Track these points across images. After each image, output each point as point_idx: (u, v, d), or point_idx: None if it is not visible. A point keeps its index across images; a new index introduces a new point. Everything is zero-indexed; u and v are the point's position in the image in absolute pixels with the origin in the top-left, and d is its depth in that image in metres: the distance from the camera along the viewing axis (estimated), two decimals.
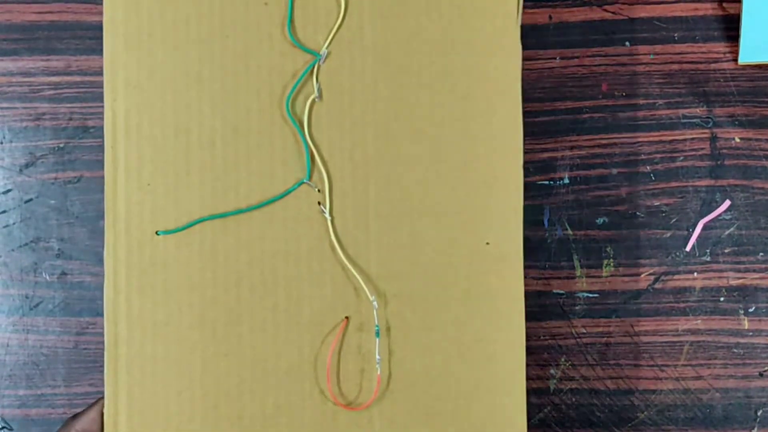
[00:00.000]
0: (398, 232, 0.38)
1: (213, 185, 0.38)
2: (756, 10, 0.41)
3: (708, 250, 0.42)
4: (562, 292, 0.42)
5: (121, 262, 0.37)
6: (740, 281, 0.41)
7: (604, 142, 0.42)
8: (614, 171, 0.42)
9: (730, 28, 0.42)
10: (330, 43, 0.38)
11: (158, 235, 0.38)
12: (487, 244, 0.38)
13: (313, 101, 0.38)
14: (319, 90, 0.38)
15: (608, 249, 0.42)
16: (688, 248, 0.41)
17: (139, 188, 0.38)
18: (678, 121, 0.42)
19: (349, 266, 0.38)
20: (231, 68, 0.38)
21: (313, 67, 0.38)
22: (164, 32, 0.38)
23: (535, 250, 0.43)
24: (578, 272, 0.42)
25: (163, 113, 0.38)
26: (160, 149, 0.38)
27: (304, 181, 0.38)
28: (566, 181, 0.42)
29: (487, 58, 0.38)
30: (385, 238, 0.38)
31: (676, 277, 0.42)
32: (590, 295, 0.42)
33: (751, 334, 0.41)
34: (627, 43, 0.42)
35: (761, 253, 0.41)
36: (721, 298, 0.42)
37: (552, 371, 0.42)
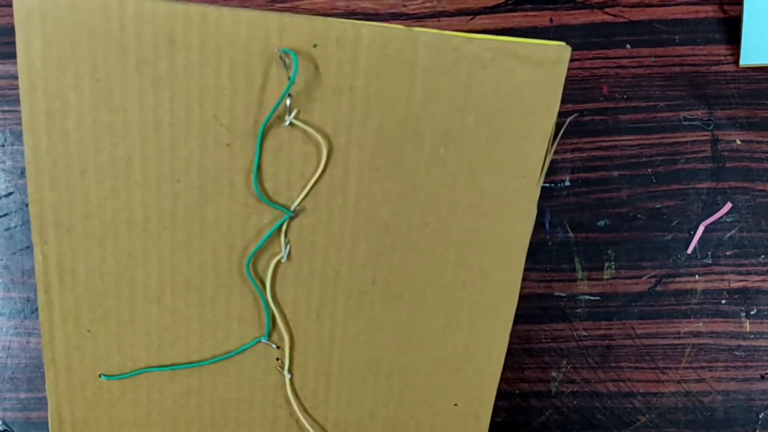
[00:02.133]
0: (361, 390, 0.36)
1: (160, 336, 0.35)
2: (757, 12, 0.40)
3: (709, 253, 0.41)
4: (563, 294, 0.42)
5: (64, 397, 0.35)
6: (742, 284, 0.41)
7: (605, 144, 0.42)
8: (615, 173, 0.42)
9: (731, 30, 0.41)
10: (305, 197, 0.32)
11: (101, 378, 0.35)
12: (455, 405, 0.36)
13: (279, 261, 0.33)
14: (288, 250, 0.33)
15: (609, 251, 0.41)
16: (689, 251, 0.41)
17: (78, 334, 0.34)
18: (679, 124, 0.41)
19: (304, 421, 0.36)
20: (182, 219, 0.32)
21: (282, 225, 0.32)
22: (100, 172, 0.31)
23: (536, 253, 0.42)
24: (579, 275, 0.42)
25: (102, 261, 0.33)
26: (100, 298, 0.34)
27: (262, 339, 0.35)
28: (567, 183, 0.42)
29: (494, 224, 0.33)
30: (346, 395, 0.36)
31: (677, 279, 0.41)
32: (591, 298, 0.42)
33: (752, 336, 0.41)
34: (628, 46, 0.42)
35: (762, 256, 0.41)
36: (723, 301, 0.41)
37: (553, 374, 0.41)
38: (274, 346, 0.36)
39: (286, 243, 0.34)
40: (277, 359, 0.36)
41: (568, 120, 0.32)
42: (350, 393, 0.37)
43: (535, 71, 0.32)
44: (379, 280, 0.35)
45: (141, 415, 0.37)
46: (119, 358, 0.36)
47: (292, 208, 0.33)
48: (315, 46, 0.30)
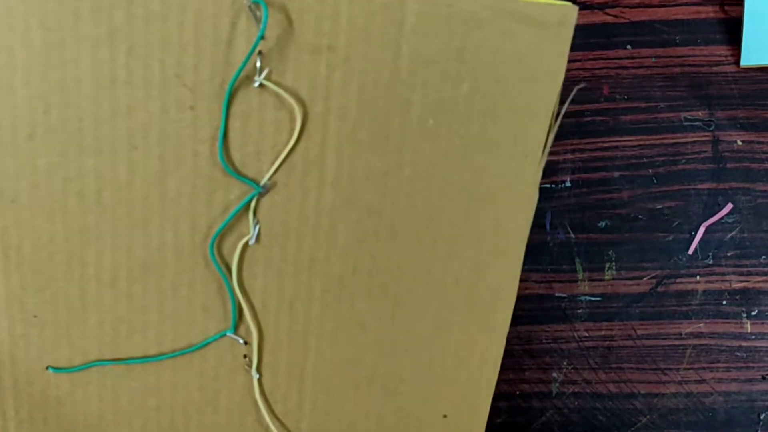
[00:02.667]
0: (339, 397, 0.32)
1: (114, 326, 0.31)
2: (758, 13, 0.40)
3: (710, 254, 0.41)
4: (564, 295, 0.41)
5: (8, 391, 0.32)
6: (743, 284, 0.41)
7: (605, 145, 0.41)
8: (616, 174, 0.41)
9: (731, 31, 0.41)
10: (276, 170, 0.28)
11: (49, 371, 0.31)
12: (445, 417, 0.32)
13: (247, 244, 0.29)
14: (257, 231, 0.29)
15: (610, 252, 0.41)
16: (690, 251, 0.41)
17: (24, 320, 0.31)
18: (680, 124, 0.41)
19: (273, 428, 0.32)
20: (140, 191, 0.28)
21: (251, 202, 0.29)
22: (49, 135, 0.28)
23: (536, 254, 0.41)
24: (580, 275, 0.41)
25: (50, 237, 0.29)
26: (48, 280, 0.30)
27: (227, 333, 0.31)
28: (568, 184, 0.42)
29: (490, 209, 0.29)
30: (322, 401, 0.32)
31: (678, 280, 0.41)
32: (592, 299, 0.41)
33: (753, 337, 0.40)
34: (628, 47, 0.42)
35: (764, 256, 0.41)
36: (724, 302, 0.41)
37: (554, 375, 0.41)
38: (241, 341, 0.32)
39: (255, 223, 0.30)
40: (245, 356, 0.32)
41: (576, 89, 0.29)
42: (327, 399, 0.33)
43: (538, 34, 0.28)
44: (361, 270, 0.31)
45: (92, 414, 0.33)
46: (68, 350, 0.32)
47: (262, 182, 0.29)
48: None
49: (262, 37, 0.27)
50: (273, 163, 0.29)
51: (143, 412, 0.33)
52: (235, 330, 0.32)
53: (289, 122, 0.29)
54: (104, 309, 0.31)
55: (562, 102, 0.29)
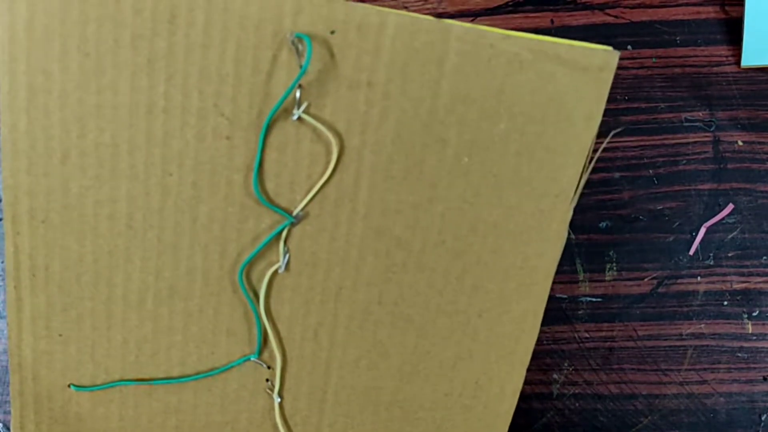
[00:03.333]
0: (358, 421, 0.32)
1: (139, 346, 0.31)
2: (759, 13, 0.39)
3: (711, 254, 0.40)
4: (564, 296, 0.41)
5: (29, 406, 0.31)
6: (744, 285, 0.40)
7: (606, 145, 0.40)
8: (617, 175, 0.41)
9: (732, 31, 0.41)
10: (309, 201, 0.28)
11: (71, 388, 0.32)
12: None
13: (276, 272, 0.30)
14: (287, 260, 0.29)
15: (611, 253, 0.41)
16: (691, 252, 0.40)
17: (48, 337, 0.31)
18: (680, 125, 0.40)
19: None
20: (172, 217, 0.29)
21: (282, 232, 0.29)
22: (82, 158, 0.28)
23: None
24: (581, 276, 0.41)
25: (79, 258, 0.29)
26: (75, 299, 0.30)
27: (251, 358, 0.31)
28: None
29: (519, 247, 0.30)
30: (341, 425, 0.32)
31: (679, 281, 0.40)
32: (593, 300, 0.41)
33: (755, 338, 0.40)
34: (629, 47, 0.41)
35: (765, 257, 0.40)
36: (725, 302, 0.40)
37: (555, 376, 0.41)
38: (264, 366, 0.32)
39: (285, 252, 0.30)
40: (267, 380, 0.32)
41: (612, 133, 0.28)
42: (345, 423, 0.33)
43: (578, 77, 0.28)
44: (386, 300, 0.31)
45: (112, 429, 0.33)
46: (92, 368, 0.32)
47: (295, 213, 0.29)
48: (333, 32, 0.27)
49: (304, 72, 0.27)
50: (306, 194, 0.29)
51: (163, 430, 0.33)
52: (260, 355, 0.32)
53: (324, 155, 0.29)
54: (129, 329, 0.31)
55: (596, 146, 0.29)
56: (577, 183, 0.29)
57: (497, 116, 0.28)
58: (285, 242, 0.30)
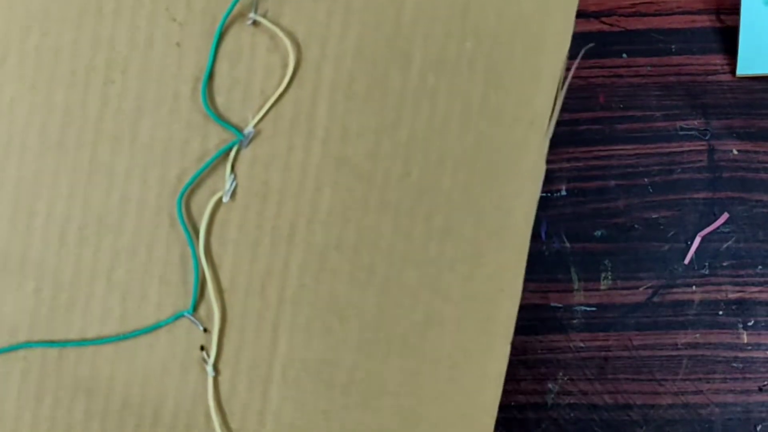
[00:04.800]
0: (309, 408, 0.26)
1: (53, 297, 0.26)
2: (754, 22, 0.40)
3: (706, 263, 0.40)
4: (559, 305, 0.40)
5: None
6: (739, 295, 0.40)
7: (601, 154, 0.41)
8: (612, 183, 0.40)
9: (727, 40, 0.41)
10: (262, 118, 0.26)
11: None
12: None
13: (220, 201, 0.26)
14: (233, 186, 0.26)
15: (606, 262, 0.40)
16: (686, 261, 0.40)
17: None
18: (675, 133, 0.41)
19: None
20: (109, 132, 0.25)
21: (230, 151, 0.25)
22: (22, 60, 0.25)
23: (532, 263, 0.38)
24: (576, 285, 0.40)
25: (0, 180, 0.25)
26: None
27: (185, 313, 0.26)
28: (564, 193, 0.41)
29: (492, 182, 0.26)
30: (288, 412, 0.26)
31: (674, 290, 0.40)
32: (588, 309, 0.40)
33: (750, 348, 0.40)
34: (624, 55, 0.41)
35: (760, 266, 0.40)
36: (720, 312, 0.40)
37: (550, 386, 0.40)
38: (200, 326, 0.27)
39: (232, 178, 0.26)
40: (202, 348, 0.27)
41: (583, 50, 0.27)
42: (293, 410, 0.27)
43: None
44: (345, 245, 0.27)
45: (8, 413, 0.27)
46: None
47: (245, 131, 0.26)
48: None
49: None
50: (259, 110, 0.26)
51: (69, 419, 0.27)
52: (194, 310, 0.27)
53: (280, 68, 0.27)
54: (44, 273, 0.27)
55: (568, 68, 0.28)
56: (551, 109, 0.27)
57: (463, 36, 0.27)
58: (233, 166, 0.26)
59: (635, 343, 0.40)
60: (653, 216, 0.40)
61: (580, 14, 0.40)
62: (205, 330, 0.27)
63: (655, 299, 0.40)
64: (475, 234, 0.27)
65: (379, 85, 0.27)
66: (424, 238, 0.27)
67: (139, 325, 0.27)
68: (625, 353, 0.40)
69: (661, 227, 0.40)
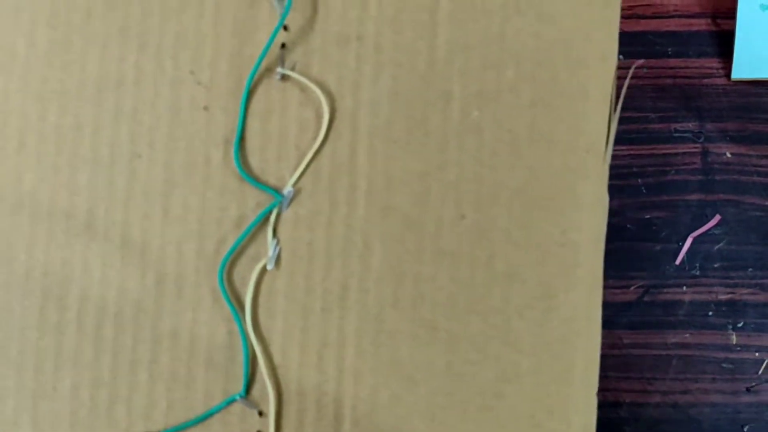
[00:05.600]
0: None
1: (93, 395, 0.24)
2: (750, 26, 0.40)
3: (697, 265, 0.40)
4: None
5: None
6: (729, 296, 0.40)
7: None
8: None
9: (723, 44, 0.41)
10: (300, 176, 0.24)
11: None
12: None
13: (264, 269, 0.24)
14: (277, 251, 0.24)
15: None
16: (677, 262, 0.40)
17: None
18: (670, 135, 0.41)
19: None
20: (139, 209, 0.24)
21: (270, 214, 0.24)
22: (40, 143, 0.24)
23: None
24: None
25: (26, 274, 0.24)
26: (16, 329, 0.24)
27: (237, 397, 0.24)
28: None
29: (552, 216, 0.24)
30: None
31: (665, 290, 0.40)
32: None
33: (739, 349, 0.40)
34: (620, 57, 0.41)
35: (750, 269, 0.40)
36: (710, 313, 0.40)
37: None
38: (255, 410, 0.24)
39: (275, 243, 0.24)
40: None
41: (633, 68, 0.25)
42: None
43: (582, 14, 0.25)
44: (402, 302, 0.25)
45: None
46: (30, 430, 0.24)
47: (284, 191, 0.24)
48: None
49: (283, 24, 0.24)
50: (296, 169, 0.25)
51: None
52: (247, 392, 0.24)
53: (314, 121, 0.25)
54: (81, 369, 0.24)
55: (620, 87, 0.26)
56: (606, 133, 0.25)
57: (502, 64, 0.25)
58: (274, 230, 0.24)
59: (625, 341, 0.40)
60: (646, 216, 0.40)
61: None
62: (261, 413, 0.24)
63: (646, 299, 0.40)
64: (540, 274, 0.25)
65: (420, 126, 0.25)
66: (487, 285, 0.25)
67: (188, 416, 0.24)
68: (615, 351, 0.40)
69: (654, 228, 0.40)
